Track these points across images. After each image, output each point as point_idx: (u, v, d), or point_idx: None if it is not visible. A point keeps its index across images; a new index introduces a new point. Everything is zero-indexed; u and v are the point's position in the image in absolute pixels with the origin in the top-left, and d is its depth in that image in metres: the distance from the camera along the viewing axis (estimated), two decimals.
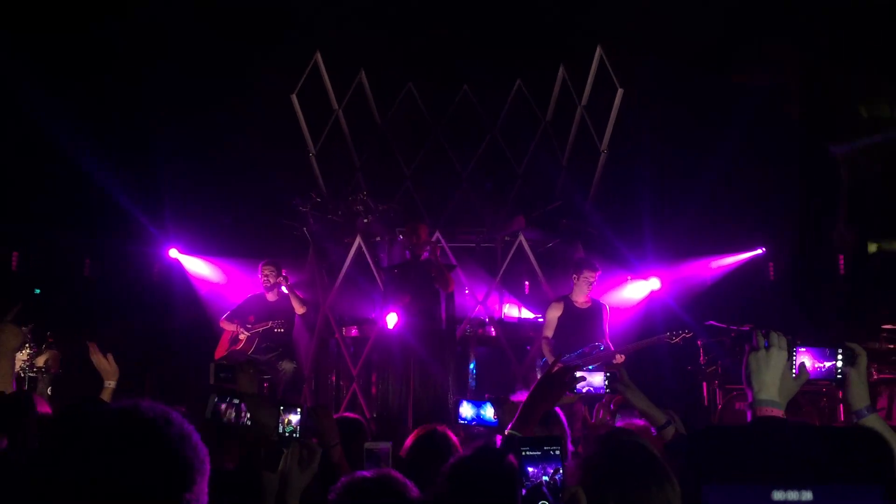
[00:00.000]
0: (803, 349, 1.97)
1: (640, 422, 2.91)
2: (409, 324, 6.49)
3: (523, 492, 1.54)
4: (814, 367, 2.00)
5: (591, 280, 6.81)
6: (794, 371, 1.88)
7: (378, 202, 8.41)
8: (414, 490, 1.97)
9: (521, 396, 3.26)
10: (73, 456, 1.31)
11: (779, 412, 1.75)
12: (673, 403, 3.24)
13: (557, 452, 1.56)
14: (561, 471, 1.55)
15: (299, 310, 7.39)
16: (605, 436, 2.03)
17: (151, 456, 1.32)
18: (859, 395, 2.00)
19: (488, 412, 3.26)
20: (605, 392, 2.61)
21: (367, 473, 1.98)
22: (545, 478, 1.53)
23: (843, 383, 2.02)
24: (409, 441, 3.20)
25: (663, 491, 1.68)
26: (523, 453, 1.57)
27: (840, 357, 2.01)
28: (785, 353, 1.85)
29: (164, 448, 1.33)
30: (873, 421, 1.98)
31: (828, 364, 2.01)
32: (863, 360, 2.02)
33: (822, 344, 2.01)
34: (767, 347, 1.84)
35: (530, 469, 1.55)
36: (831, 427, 2.72)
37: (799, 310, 8.68)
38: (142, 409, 1.37)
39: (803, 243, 9.31)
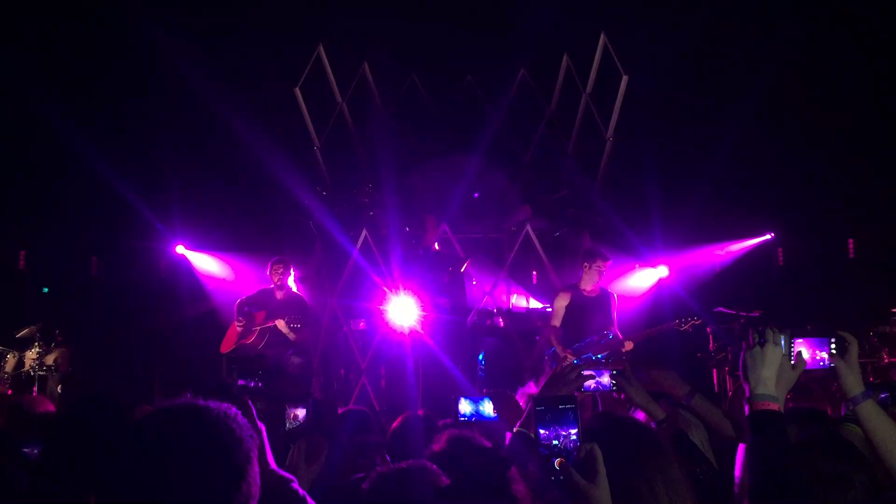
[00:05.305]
0: (800, 340, 1.99)
1: (641, 416, 2.89)
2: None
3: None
4: (812, 357, 2.02)
5: (603, 270, 6.80)
6: (792, 361, 1.89)
7: (383, 194, 8.39)
8: (445, 479, 1.98)
9: (530, 389, 3.25)
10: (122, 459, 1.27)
11: (775, 406, 1.77)
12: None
13: (572, 413, 1.50)
14: (575, 432, 1.48)
15: (292, 336, 7.19)
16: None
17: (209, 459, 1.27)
18: (850, 382, 2.01)
19: (487, 408, 3.25)
20: (613, 390, 2.61)
21: (402, 464, 1.98)
22: (555, 441, 1.47)
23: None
24: (394, 424, 3.26)
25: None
26: (536, 410, 1.51)
27: (833, 346, 2.02)
28: (780, 349, 1.86)
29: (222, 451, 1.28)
30: (868, 407, 1.98)
31: (825, 353, 2.03)
32: (853, 347, 2.04)
33: (817, 334, 2.03)
34: (763, 343, 1.86)
35: (542, 431, 1.49)
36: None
37: (809, 295, 8.62)
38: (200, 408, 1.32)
39: (812, 228, 9.23)
